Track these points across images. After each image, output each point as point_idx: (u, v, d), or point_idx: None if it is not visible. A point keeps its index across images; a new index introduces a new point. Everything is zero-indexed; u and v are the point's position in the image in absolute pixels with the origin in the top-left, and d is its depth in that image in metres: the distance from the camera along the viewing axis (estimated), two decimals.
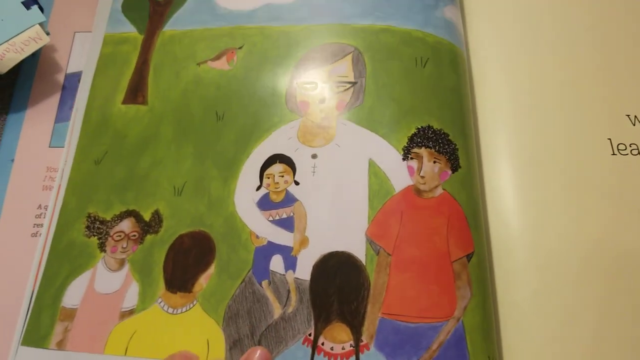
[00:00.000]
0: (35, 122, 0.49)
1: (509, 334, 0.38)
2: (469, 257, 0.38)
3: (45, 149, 0.48)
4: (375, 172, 0.40)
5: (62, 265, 0.42)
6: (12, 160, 0.48)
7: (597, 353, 0.37)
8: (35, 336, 0.40)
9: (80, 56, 0.52)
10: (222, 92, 0.45)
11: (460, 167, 0.41)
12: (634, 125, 0.44)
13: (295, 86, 0.44)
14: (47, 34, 0.47)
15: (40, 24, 0.47)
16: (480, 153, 0.44)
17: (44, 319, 0.40)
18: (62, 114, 0.49)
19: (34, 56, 0.50)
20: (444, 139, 0.41)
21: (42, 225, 0.45)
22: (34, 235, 0.45)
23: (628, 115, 0.44)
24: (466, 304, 0.37)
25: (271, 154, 0.42)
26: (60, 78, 0.51)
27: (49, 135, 0.48)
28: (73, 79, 0.51)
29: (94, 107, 0.47)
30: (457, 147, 0.41)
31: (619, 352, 0.37)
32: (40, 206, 0.46)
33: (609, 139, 0.43)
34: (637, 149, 0.43)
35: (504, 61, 0.47)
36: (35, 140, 0.48)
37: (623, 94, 0.45)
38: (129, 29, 0.50)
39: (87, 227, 0.42)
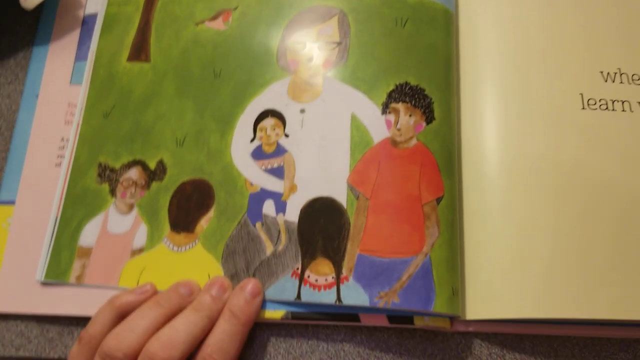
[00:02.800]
0: (57, 60, 0.52)
1: (472, 268, 0.42)
2: (438, 200, 0.42)
3: (67, 85, 0.51)
4: (356, 126, 0.44)
5: (77, 208, 0.46)
6: (37, 96, 0.51)
7: (550, 284, 0.41)
8: (56, 271, 0.45)
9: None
10: (218, 51, 0.49)
11: (434, 119, 0.44)
12: (606, 81, 0.46)
13: (286, 45, 0.47)
14: None
15: None
16: (460, 104, 0.47)
17: (64, 257, 0.45)
18: (82, 53, 0.52)
19: None
20: (420, 93, 0.45)
21: (64, 156, 0.48)
22: (58, 165, 0.48)
23: (601, 72, 0.46)
24: (434, 241, 0.41)
25: (264, 108, 0.46)
26: (80, 18, 0.53)
27: (70, 73, 0.51)
28: (91, 20, 0.53)
29: (101, 64, 0.51)
30: (432, 100, 0.44)
31: (571, 284, 0.41)
32: (62, 139, 0.49)
33: (581, 94, 0.46)
34: (606, 104, 0.45)
35: (491, 18, 0.49)
36: (57, 77, 0.51)
37: (599, 50, 0.47)
38: None
39: (99, 175, 0.47)
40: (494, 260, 0.42)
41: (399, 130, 0.44)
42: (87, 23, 0.53)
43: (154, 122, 0.48)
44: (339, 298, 0.40)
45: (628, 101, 0.45)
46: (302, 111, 0.45)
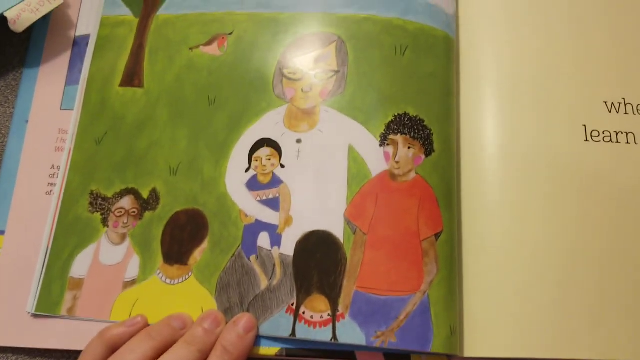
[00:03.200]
0: (47, 83, 0.51)
1: (472, 306, 0.42)
2: (437, 235, 0.41)
3: (57, 111, 0.50)
4: (354, 157, 0.43)
5: (69, 238, 0.45)
6: (27, 122, 0.49)
7: (551, 323, 0.40)
8: (47, 303, 0.44)
9: (89, 19, 0.52)
10: (213, 77, 0.48)
11: (434, 150, 0.43)
12: (610, 112, 0.45)
13: (282, 73, 0.47)
14: None
15: None
16: (460, 134, 0.46)
17: (55, 289, 0.44)
18: (72, 77, 0.51)
19: (45, 19, 0.51)
20: (419, 125, 0.44)
21: (54, 184, 0.47)
22: (48, 193, 0.47)
23: (605, 102, 0.46)
24: (432, 278, 0.40)
25: (259, 138, 0.45)
26: (71, 38, 0.52)
27: (60, 98, 0.50)
28: (82, 42, 0.52)
29: (94, 88, 0.49)
30: (432, 132, 0.44)
31: (572, 324, 0.40)
32: (53, 166, 0.48)
33: (584, 125, 0.45)
34: (610, 136, 0.44)
35: (491, 47, 0.48)
36: (48, 102, 0.50)
37: (602, 80, 0.46)
38: (125, 12, 0.52)
39: (90, 204, 0.46)
40: (493, 298, 0.41)
41: (397, 163, 0.43)
42: (78, 44, 0.52)
43: (147, 149, 0.47)
44: (334, 336, 0.39)
45: (633, 133, 0.45)
46: (299, 141, 0.44)
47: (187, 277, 0.43)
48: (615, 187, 0.43)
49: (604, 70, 0.47)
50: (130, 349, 0.39)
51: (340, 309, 0.40)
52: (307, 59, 0.47)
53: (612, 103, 0.45)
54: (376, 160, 0.43)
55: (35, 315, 0.44)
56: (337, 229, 0.41)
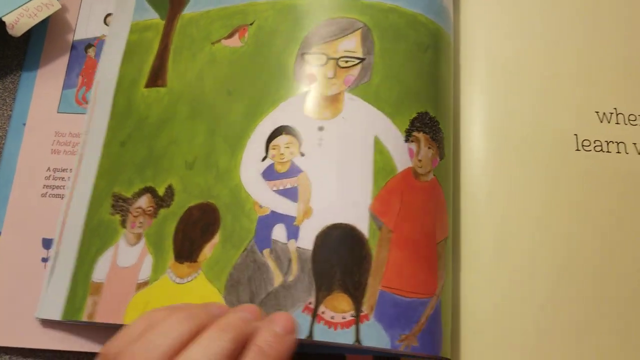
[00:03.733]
0: (45, 87, 0.51)
1: (467, 313, 0.41)
2: (445, 240, 0.40)
3: (54, 114, 0.50)
4: (380, 150, 0.40)
5: (93, 242, 0.43)
6: (24, 124, 0.49)
7: (543, 332, 0.40)
8: (72, 309, 0.42)
9: (87, 24, 0.53)
10: (233, 69, 0.45)
11: (444, 155, 0.42)
12: (601, 122, 0.45)
13: (304, 59, 0.44)
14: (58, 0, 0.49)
15: None
16: (459, 143, 0.45)
17: (79, 294, 0.42)
18: (70, 81, 0.51)
19: (43, 23, 0.51)
20: (437, 126, 0.42)
21: (50, 186, 0.48)
22: (44, 195, 0.47)
23: (597, 112, 0.45)
24: (443, 283, 0.39)
25: (278, 125, 0.42)
26: (69, 43, 0.53)
27: (57, 101, 0.50)
28: (80, 47, 0.52)
29: (121, 92, 0.48)
30: (444, 136, 0.42)
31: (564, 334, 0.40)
32: (49, 169, 0.48)
33: (575, 134, 0.45)
34: (601, 145, 0.44)
35: (485, 54, 0.48)
36: (45, 105, 0.50)
37: (594, 90, 0.46)
38: (153, 16, 0.50)
39: (112, 206, 0.44)
40: (487, 306, 0.41)
41: (420, 161, 0.41)
42: (76, 48, 0.52)
43: (167, 147, 0.44)
44: (357, 339, 0.35)
45: (623, 142, 0.44)
46: (321, 129, 0.41)
47: (196, 275, 0.40)
48: (606, 197, 0.43)
49: (596, 80, 0.47)
50: (166, 330, 0.33)
51: (365, 309, 0.36)
52: (331, 45, 0.44)
53: (604, 113, 0.45)
54: (402, 155, 0.40)
55: (41, 320, 0.44)
56: (362, 224, 0.38)
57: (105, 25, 0.53)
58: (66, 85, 0.51)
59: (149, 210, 0.43)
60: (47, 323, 0.43)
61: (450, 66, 0.46)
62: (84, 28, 0.53)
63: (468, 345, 0.40)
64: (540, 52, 0.47)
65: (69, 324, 0.43)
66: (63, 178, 0.48)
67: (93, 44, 0.52)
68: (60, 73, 0.51)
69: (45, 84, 0.51)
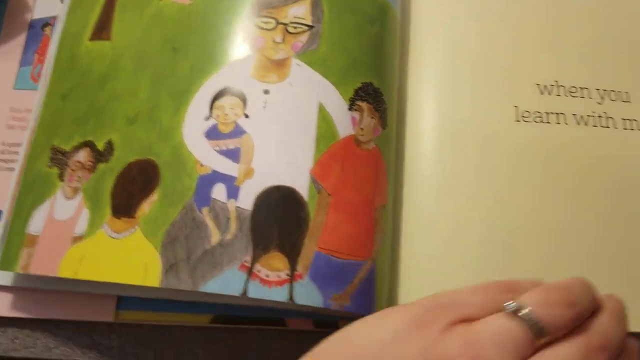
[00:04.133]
0: (2, 65, 0.51)
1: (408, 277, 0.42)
2: (383, 207, 0.41)
3: (11, 91, 0.51)
4: (324, 116, 0.41)
5: (29, 195, 0.42)
6: None
7: None
8: (7, 260, 0.41)
9: (45, 3, 0.53)
10: (181, 26, 0.45)
11: (387, 125, 0.43)
12: (542, 94, 0.46)
13: (253, 22, 0.44)
14: None
15: None
16: (405, 115, 0.46)
17: (14, 245, 0.41)
18: (27, 59, 0.52)
19: (2, 3, 0.52)
20: (380, 97, 0.43)
21: (4, 160, 0.48)
22: None
23: (538, 84, 0.46)
24: (379, 247, 0.40)
25: (224, 86, 0.42)
26: (27, 21, 0.53)
27: (14, 78, 0.51)
28: (37, 25, 0.53)
29: (65, 45, 0.47)
30: (387, 107, 0.43)
31: None
32: (3, 143, 0.48)
33: (516, 106, 0.46)
34: (541, 117, 0.45)
35: (430, 28, 0.49)
36: (2, 82, 0.51)
37: (535, 63, 0.47)
38: None
39: (51, 159, 0.43)
40: (424, 268, 0.42)
41: (362, 129, 0.42)
42: (34, 27, 0.52)
43: (109, 102, 0.44)
44: (291, 297, 0.36)
45: (564, 114, 0.45)
46: (266, 92, 0.41)
47: (133, 230, 0.39)
48: (545, 166, 0.44)
49: (538, 53, 0.48)
50: None
51: (299, 268, 0.37)
52: (281, 10, 0.44)
53: (545, 85, 0.46)
54: (344, 123, 0.41)
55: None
56: (302, 187, 0.39)
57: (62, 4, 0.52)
58: (23, 63, 0.51)
59: (88, 165, 0.42)
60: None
61: (396, 40, 0.47)
62: (42, 7, 0.53)
63: None
64: (483, 27, 0.48)
65: (19, 289, 0.43)
66: (17, 152, 0.47)
67: (50, 23, 0.52)
68: (18, 51, 0.52)
69: (3, 62, 0.51)
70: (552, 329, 0.27)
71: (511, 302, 0.28)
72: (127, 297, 0.42)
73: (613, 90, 0.46)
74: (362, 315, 0.37)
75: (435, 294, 0.30)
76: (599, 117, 0.45)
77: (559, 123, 0.45)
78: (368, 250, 0.39)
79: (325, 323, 0.41)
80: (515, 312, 0.28)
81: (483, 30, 0.48)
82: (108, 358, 0.42)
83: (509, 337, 0.27)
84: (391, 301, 0.41)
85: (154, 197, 0.40)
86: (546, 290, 0.29)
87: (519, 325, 0.27)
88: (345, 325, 0.38)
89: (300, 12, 0.44)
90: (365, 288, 0.38)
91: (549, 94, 0.46)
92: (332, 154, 0.40)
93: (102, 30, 0.46)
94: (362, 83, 0.43)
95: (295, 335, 0.42)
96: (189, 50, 0.44)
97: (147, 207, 0.40)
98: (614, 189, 0.43)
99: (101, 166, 0.42)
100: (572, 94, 0.46)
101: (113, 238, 0.40)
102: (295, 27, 0.43)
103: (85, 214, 0.41)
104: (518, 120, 0.45)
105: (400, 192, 0.44)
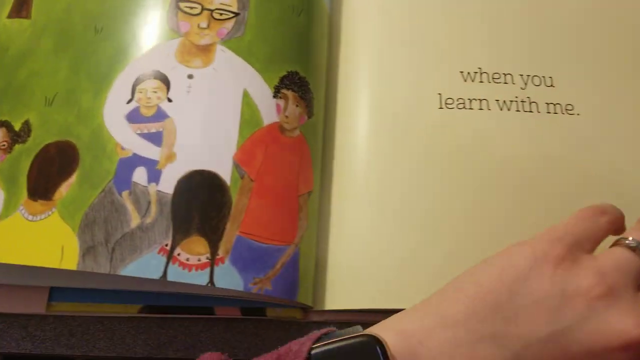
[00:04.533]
0: None
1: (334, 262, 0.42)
2: (309, 194, 0.42)
3: None
4: (248, 102, 0.41)
5: None
6: None
7: (401, 276, 0.41)
8: None
9: None
10: (104, 6, 0.44)
11: (313, 114, 0.44)
12: (465, 81, 0.47)
13: (178, 6, 0.43)
14: None
15: None
16: (336, 104, 0.47)
17: None
18: None
19: None
20: (306, 86, 0.44)
21: None
22: None
23: (462, 72, 0.47)
24: (303, 233, 0.40)
25: (146, 69, 0.41)
26: None
27: None
28: None
29: None
30: (313, 96, 0.44)
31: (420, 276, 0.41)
32: None
33: (439, 93, 0.46)
34: (463, 103, 0.46)
35: (365, 23, 0.49)
36: None
37: (459, 52, 0.48)
38: None
39: None
40: (351, 255, 0.42)
41: (287, 117, 0.42)
42: None
43: (27, 80, 0.43)
44: (211, 280, 0.36)
45: (486, 99, 0.46)
46: (190, 77, 0.41)
47: (50, 212, 0.39)
48: (465, 151, 0.45)
49: (462, 41, 0.49)
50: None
51: (221, 252, 0.37)
52: None
53: (468, 72, 0.47)
54: (269, 110, 0.42)
55: None
56: (225, 172, 0.39)
57: None
58: None
59: (3, 145, 0.41)
60: None
61: (324, 31, 0.47)
62: None
63: (333, 293, 0.41)
64: (412, 17, 0.49)
65: None
66: None
67: None
68: None
69: None
70: None
71: (629, 238, 0.33)
72: (58, 289, 0.41)
73: (537, 76, 0.47)
74: (286, 300, 0.39)
75: (548, 229, 0.33)
76: (522, 102, 0.46)
77: (481, 109, 0.46)
78: (291, 236, 0.40)
79: (253, 311, 0.41)
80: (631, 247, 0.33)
81: (411, 21, 0.49)
82: (42, 349, 0.41)
83: (631, 266, 0.32)
84: (317, 286, 0.41)
85: (73, 179, 0.39)
86: None
87: (637, 256, 0.32)
88: (273, 312, 0.40)
89: None
90: (288, 272, 0.39)
91: (472, 80, 0.47)
92: (256, 140, 0.40)
93: (21, 7, 0.45)
94: (287, 71, 0.43)
95: (224, 323, 0.42)
96: (111, 32, 0.43)
97: (65, 189, 0.39)
98: (535, 173, 0.44)
99: (17, 147, 0.41)
100: (496, 80, 0.47)
101: (29, 220, 0.39)
102: (221, 14, 0.43)
103: (1, 195, 0.40)
104: (441, 107, 0.46)
105: (329, 179, 0.44)
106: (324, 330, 0.30)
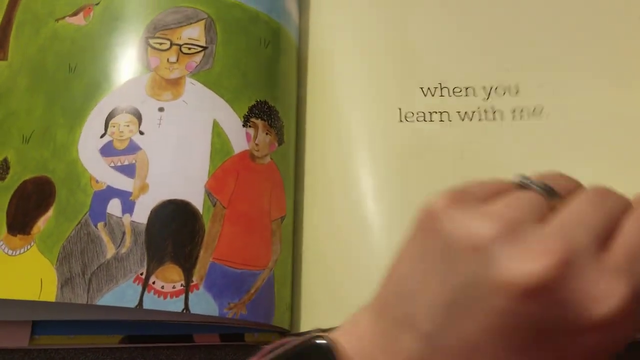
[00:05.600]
0: None
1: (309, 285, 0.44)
2: (282, 219, 0.43)
3: None
4: (218, 133, 0.42)
5: None
6: None
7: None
8: None
9: None
10: (76, 46, 0.45)
11: (284, 142, 0.45)
12: (425, 96, 0.47)
13: (147, 42, 0.45)
14: None
15: None
16: (305, 131, 0.48)
17: None
18: None
19: None
20: (276, 115, 0.45)
21: None
22: None
23: (422, 88, 0.47)
24: (277, 257, 0.42)
25: (118, 104, 0.43)
26: None
27: None
28: None
29: None
30: (283, 124, 0.46)
31: None
32: None
33: (399, 108, 0.47)
34: (423, 116, 0.46)
35: (327, 46, 0.51)
36: None
37: (419, 70, 0.48)
38: None
39: None
40: (326, 277, 0.43)
41: (257, 145, 0.44)
42: None
43: (4, 119, 0.44)
44: (187, 307, 0.37)
45: (447, 112, 0.46)
46: (161, 109, 0.42)
47: (29, 247, 0.40)
48: (426, 162, 0.45)
49: (422, 58, 0.49)
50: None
51: (195, 279, 0.38)
52: (175, 31, 0.45)
53: (428, 88, 0.47)
54: (239, 138, 0.43)
55: None
56: (197, 200, 0.40)
57: None
58: None
59: None
60: None
61: (292, 61, 0.49)
62: None
63: (310, 316, 0.42)
64: (372, 38, 0.50)
65: None
66: None
67: None
68: None
69: None
70: (559, 190, 0.28)
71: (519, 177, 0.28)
72: (41, 322, 0.42)
73: (500, 86, 0.47)
74: (263, 324, 0.40)
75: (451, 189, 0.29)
76: (485, 111, 0.46)
77: (442, 121, 0.46)
78: (265, 260, 0.41)
79: (231, 337, 0.42)
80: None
81: (372, 41, 0.50)
82: None
83: (525, 200, 0.27)
84: (293, 308, 0.43)
85: (49, 213, 0.40)
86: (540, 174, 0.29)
87: (530, 192, 0.27)
88: (251, 337, 0.41)
89: (195, 33, 0.45)
90: (263, 296, 0.40)
91: (432, 95, 0.47)
92: (227, 168, 0.42)
93: None
94: (256, 101, 0.45)
95: (205, 351, 0.42)
96: (84, 69, 0.44)
97: (42, 223, 0.40)
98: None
99: None
100: (457, 94, 0.47)
101: (9, 255, 0.40)
102: (189, 48, 0.45)
103: None
104: (401, 121, 0.46)
105: (300, 201, 0.46)
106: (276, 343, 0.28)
